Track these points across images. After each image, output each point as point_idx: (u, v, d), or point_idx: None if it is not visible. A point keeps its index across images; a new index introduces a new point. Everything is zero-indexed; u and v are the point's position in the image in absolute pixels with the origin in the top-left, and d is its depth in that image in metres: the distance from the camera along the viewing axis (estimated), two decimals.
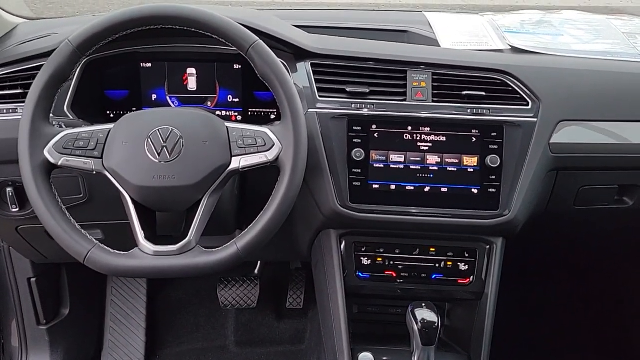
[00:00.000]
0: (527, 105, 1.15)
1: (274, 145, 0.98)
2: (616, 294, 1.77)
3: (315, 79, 1.17)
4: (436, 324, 1.05)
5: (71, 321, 1.68)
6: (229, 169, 0.98)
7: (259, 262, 1.90)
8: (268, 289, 1.91)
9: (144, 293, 1.86)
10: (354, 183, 1.14)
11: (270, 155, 0.98)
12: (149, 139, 0.96)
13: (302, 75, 1.17)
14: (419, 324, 1.05)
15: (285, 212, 0.98)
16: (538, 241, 1.36)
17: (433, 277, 1.21)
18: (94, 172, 0.98)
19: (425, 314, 1.06)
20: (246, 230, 0.98)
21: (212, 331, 1.90)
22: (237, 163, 0.98)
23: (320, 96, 1.16)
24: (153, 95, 1.27)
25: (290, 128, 0.98)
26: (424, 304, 1.08)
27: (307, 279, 1.91)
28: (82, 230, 0.97)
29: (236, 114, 1.29)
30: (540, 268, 1.68)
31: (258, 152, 0.98)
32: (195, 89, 1.28)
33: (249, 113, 1.29)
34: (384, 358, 1.18)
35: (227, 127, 1.00)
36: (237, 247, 0.96)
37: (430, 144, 1.15)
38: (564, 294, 1.78)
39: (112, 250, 0.95)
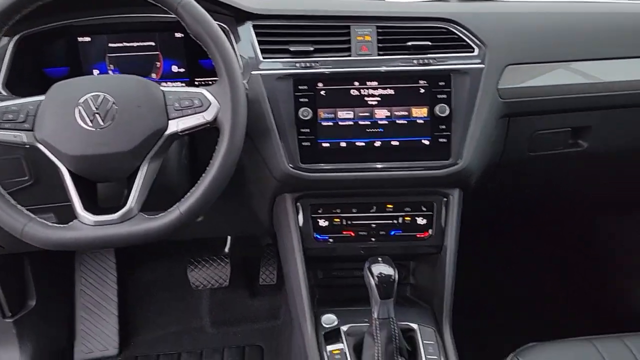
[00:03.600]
0: (473, 51, 1.14)
1: (210, 105, 0.96)
2: (578, 242, 1.77)
3: (258, 41, 1.14)
4: (393, 277, 1.03)
5: (39, 313, 1.64)
6: (166, 132, 0.95)
7: (229, 240, 1.88)
8: (240, 267, 1.90)
9: (114, 280, 1.84)
10: (303, 143, 1.12)
11: (208, 116, 0.95)
12: (80, 107, 0.93)
13: (244, 38, 1.15)
14: (376, 278, 1.04)
15: (227, 171, 0.95)
16: (498, 193, 1.35)
17: (392, 233, 1.20)
18: (27, 146, 0.94)
19: (382, 268, 1.05)
20: (189, 193, 0.95)
21: (186, 314, 1.88)
22: (175, 126, 0.96)
23: (264, 57, 1.13)
24: (95, 71, 1.24)
25: (226, 86, 0.95)
26: (380, 259, 1.07)
27: (278, 254, 1.89)
28: (18, 206, 0.94)
29: (183, 84, 1.26)
30: (503, 220, 1.68)
31: (195, 114, 0.95)
32: (138, 62, 1.24)
33: (196, 83, 1.26)
34: (347, 318, 1.17)
35: (162, 91, 0.97)
36: (179, 211, 0.94)
37: (378, 98, 1.13)
38: (528, 245, 1.78)
39: (49, 224, 0.92)
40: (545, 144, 1.23)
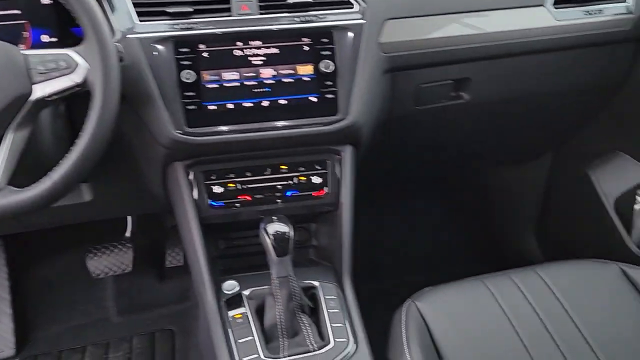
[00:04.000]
0: (353, 7, 1.15)
1: (78, 65, 0.90)
2: (469, 193, 1.85)
3: (133, 3, 1.09)
4: (287, 233, 1.03)
5: None
6: (31, 99, 0.89)
7: (129, 224, 1.80)
8: (145, 252, 1.83)
9: (5, 277, 1.71)
10: (188, 107, 1.09)
11: (76, 78, 0.90)
12: None
13: (118, 1, 1.09)
14: (271, 237, 1.03)
15: (103, 135, 0.90)
16: (390, 148, 1.38)
17: (288, 194, 1.19)
18: None
19: (277, 227, 1.04)
20: (61, 161, 0.90)
21: (89, 305, 1.78)
22: (40, 91, 0.89)
23: (141, 20, 1.08)
24: None
25: (94, 44, 0.90)
26: (274, 218, 1.06)
27: None
28: None
29: None
30: (397, 175, 1.73)
31: (62, 76, 0.90)
32: (1, 32, 1.15)
33: None
34: (248, 283, 1.16)
35: (23, 54, 0.91)
36: (51, 180, 0.88)
37: (263, 58, 1.11)
38: (422, 199, 1.85)
39: None
40: (430, 98, 1.27)
